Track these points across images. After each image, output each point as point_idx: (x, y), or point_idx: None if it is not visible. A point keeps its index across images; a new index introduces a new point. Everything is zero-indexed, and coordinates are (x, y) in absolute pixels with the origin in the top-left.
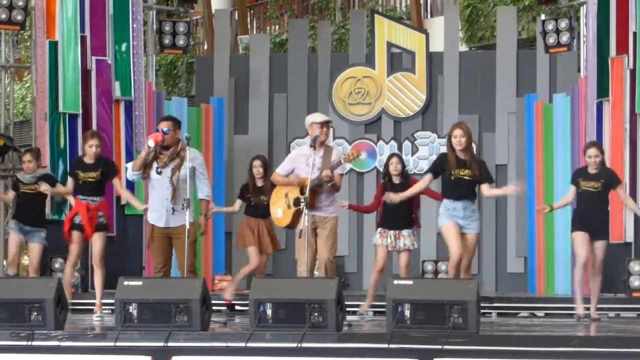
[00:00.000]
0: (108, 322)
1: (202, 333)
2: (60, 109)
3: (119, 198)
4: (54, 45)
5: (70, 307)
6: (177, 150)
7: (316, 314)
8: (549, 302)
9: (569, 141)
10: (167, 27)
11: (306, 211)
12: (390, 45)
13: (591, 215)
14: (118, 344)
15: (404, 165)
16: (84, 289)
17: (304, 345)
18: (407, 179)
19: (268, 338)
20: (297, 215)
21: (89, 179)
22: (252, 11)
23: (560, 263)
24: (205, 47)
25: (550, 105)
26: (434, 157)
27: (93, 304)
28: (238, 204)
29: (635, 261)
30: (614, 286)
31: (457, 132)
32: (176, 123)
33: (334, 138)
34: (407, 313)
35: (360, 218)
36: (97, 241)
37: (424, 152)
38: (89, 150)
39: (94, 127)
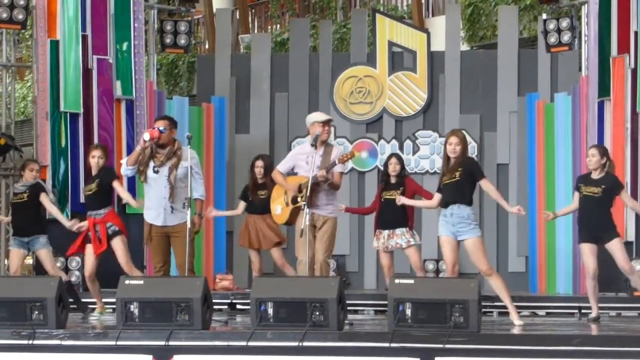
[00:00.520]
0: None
1: (203, 332)
2: (62, 108)
3: (119, 198)
4: (55, 45)
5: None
6: (173, 150)
7: (317, 313)
8: (550, 301)
9: (570, 140)
10: (169, 27)
11: (307, 210)
12: (391, 44)
13: (594, 220)
14: (119, 343)
15: (403, 166)
16: (85, 289)
17: (305, 344)
18: (402, 179)
19: (269, 337)
20: (294, 212)
21: (88, 192)
22: (253, 10)
23: (562, 262)
24: (207, 46)
25: (552, 104)
26: (435, 157)
27: (94, 303)
28: (241, 206)
29: (636, 260)
30: (615, 285)
31: (453, 139)
32: (172, 122)
33: (335, 137)
34: (409, 312)
35: (361, 217)
36: (116, 249)
37: (425, 151)
38: (91, 161)
39: (95, 126)
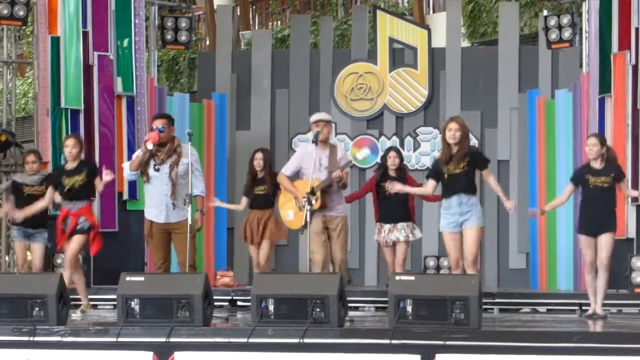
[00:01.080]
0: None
1: (204, 328)
2: (62, 105)
3: (120, 194)
4: (56, 41)
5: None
6: (173, 147)
7: (318, 310)
8: (551, 297)
9: (571, 137)
10: (169, 23)
11: (308, 207)
12: (392, 40)
13: (598, 210)
14: (120, 339)
15: (402, 160)
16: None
17: (306, 340)
18: (403, 173)
19: (270, 333)
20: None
21: (73, 183)
22: (254, 7)
23: (562, 259)
24: (207, 42)
25: (553, 101)
26: (436, 153)
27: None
28: (244, 202)
29: (637, 257)
30: (616, 282)
31: (452, 125)
32: (170, 120)
33: (336, 134)
34: (409, 309)
35: (363, 214)
36: (73, 242)
37: (425, 147)
38: (65, 150)
39: (96, 122)
